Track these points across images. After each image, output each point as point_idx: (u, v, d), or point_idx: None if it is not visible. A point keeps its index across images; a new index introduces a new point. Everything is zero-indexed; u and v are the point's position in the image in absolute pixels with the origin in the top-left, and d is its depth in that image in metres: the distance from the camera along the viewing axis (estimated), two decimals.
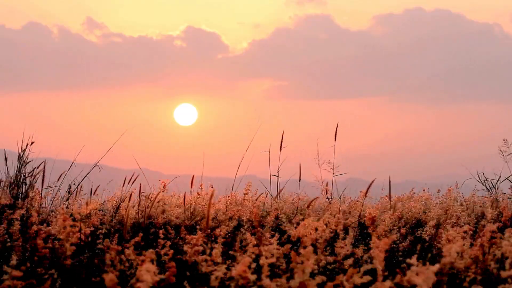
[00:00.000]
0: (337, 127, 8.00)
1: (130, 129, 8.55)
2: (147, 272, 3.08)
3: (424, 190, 8.48)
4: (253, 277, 3.43)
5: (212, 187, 7.98)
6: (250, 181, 7.93)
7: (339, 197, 8.23)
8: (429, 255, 4.10)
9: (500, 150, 8.58)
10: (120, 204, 7.63)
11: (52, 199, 7.82)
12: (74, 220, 4.09)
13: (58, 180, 8.03)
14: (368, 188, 7.71)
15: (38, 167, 7.96)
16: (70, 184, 8.09)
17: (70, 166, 8.20)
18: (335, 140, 7.99)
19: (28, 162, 8.00)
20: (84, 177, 8.15)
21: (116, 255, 3.68)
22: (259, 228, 3.82)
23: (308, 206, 7.61)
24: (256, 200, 7.80)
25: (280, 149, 8.13)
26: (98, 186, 8.23)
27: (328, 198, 8.20)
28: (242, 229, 6.67)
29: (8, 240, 5.04)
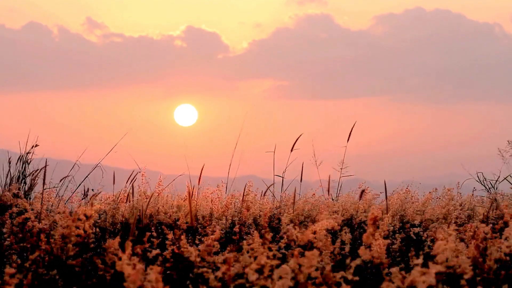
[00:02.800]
0: (352, 128, 8.03)
1: (131, 130, 8.59)
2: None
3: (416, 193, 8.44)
4: (254, 277, 3.47)
5: (218, 186, 8.04)
6: (251, 181, 7.96)
7: (337, 197, 8.25)
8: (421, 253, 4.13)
9: (500, 151, 8.58)
10: (118, 203, 7.66)
11: (55, 199, 7.86)
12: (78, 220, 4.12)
13: (60, 182, 8.07)
14: (363, 191, 7.74)
15: (40, 170, 8.01)
16: (86, 187, 8.13)
17: (72, 167, 8.23)
18: (348, 140, 8.03)
19: (29, 162, 8.04)
20: (85, 178, 8.19)
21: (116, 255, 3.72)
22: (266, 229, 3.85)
23: (293, 203, 7.64)
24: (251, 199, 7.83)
25: (291, 150, 8.15)
26: (102, 186, 8.25)
27: (331, 198, 8.23)
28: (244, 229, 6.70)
29: (8, 239, 5.07)
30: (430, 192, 8.30)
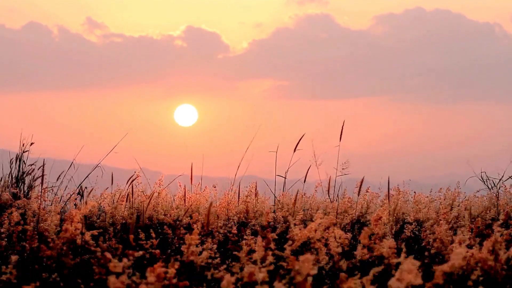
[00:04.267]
0: (342, 126, 7.98)
1: (131, 130, 8.57)
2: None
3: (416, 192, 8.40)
4: (261, 276, 3.43)
5: (215, 187, 8.01)
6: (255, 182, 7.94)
7: (337, 197, 8.20)
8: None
9: None
10: (117, 204, 7.62)
11: (52, 200, 7.83)
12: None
13: (57, 181, 8.04)
14: (360, 187, 7.69)
15: (38, 168, 7.98)
16: (80, 186, 8.10)
17: (70, 166, 8.21)
18: (340, 139, 7.97)
19: (26, 162, 8.02)
20: (85, 178, 8.16)
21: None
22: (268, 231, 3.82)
23: (294, 202, 7.60)
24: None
25: (294, 150, 8.11)
26: (106, 188, 8.22)
27: (329, 197, 8.18)
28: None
29: (7, 240, 5.04)
30: (428, 192, 8.27)
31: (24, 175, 8.01)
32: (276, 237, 4.05)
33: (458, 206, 7.84)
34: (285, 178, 8.24)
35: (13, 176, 8.00)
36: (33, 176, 8.03)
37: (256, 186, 7.98)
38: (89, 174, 8.26)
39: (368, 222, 7.46)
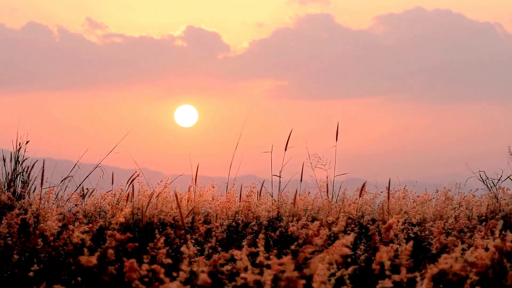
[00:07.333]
0: (338, 127, 7.98)
1: (131, 131, 8.58)
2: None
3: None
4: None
5: (214, 186, 8.01)
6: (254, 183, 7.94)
7: (337, 197, 8.21)
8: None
9: (510, 150, 8.55)
10: (120, 202, 7.63)
11: (54, 199, 7.83)
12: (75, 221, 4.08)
13: (61, 182, 8.05)
14: (362, 189, 7.67)
15: (33, 166, 7.97)
16: (82, 187, 8.10)
17: (73, 167, 8.22)
18: (336, 140, 7.97)
19: (23, 161, 8.01)
20: (85, 178, 8.17)
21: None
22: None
23: (293, 203, 7.60)
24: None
25: (285, 149, 8.10)
26: (109, 191, 8.22)
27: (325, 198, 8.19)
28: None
29: (10, 240, 5.05)
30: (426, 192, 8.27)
31: (17, 174, 8.00)
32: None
33: (459, 206, 7.84)
34: (279, 177, 8.24)
35: (7, 176, 7.99)
36: (28, 175, 8.02)
37: (256, 187, 8.00)
38: (90, 174, 8.28)
39: (367, 224, 7.47)
